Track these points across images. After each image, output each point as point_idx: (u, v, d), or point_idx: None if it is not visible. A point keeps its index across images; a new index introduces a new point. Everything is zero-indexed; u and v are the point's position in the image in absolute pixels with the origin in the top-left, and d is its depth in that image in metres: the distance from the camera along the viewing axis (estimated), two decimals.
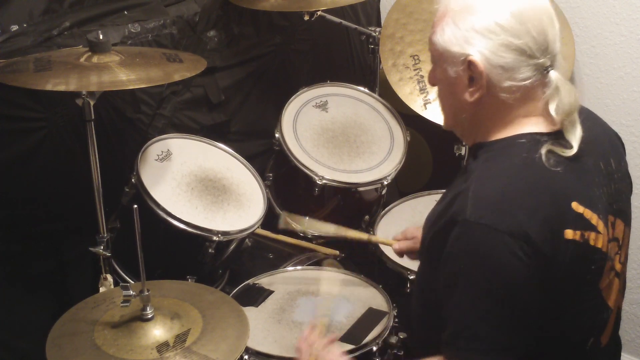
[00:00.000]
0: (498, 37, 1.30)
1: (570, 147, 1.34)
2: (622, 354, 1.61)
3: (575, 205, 1.31)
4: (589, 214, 1.32)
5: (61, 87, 1.65)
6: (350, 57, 2.81)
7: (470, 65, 1.33)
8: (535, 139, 1.34)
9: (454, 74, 1.37)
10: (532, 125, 1.36)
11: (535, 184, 1.30)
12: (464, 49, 1.33)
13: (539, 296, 1.28)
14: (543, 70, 1.33)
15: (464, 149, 2.34)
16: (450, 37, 1.35)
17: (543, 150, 1.31)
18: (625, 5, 2.26)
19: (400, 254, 1.90)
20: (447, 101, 1.45)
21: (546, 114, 1.36)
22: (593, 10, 2.33)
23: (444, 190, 1.48)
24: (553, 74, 1.34)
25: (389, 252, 2.07)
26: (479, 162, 1.37)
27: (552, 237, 1.27)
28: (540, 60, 1.32)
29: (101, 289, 1.86)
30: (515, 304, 1.28)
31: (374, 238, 2.01)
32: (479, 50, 1.31)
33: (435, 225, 1.36)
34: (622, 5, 2.27)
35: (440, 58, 1.39)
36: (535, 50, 1.31)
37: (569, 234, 1.29)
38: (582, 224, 1.31)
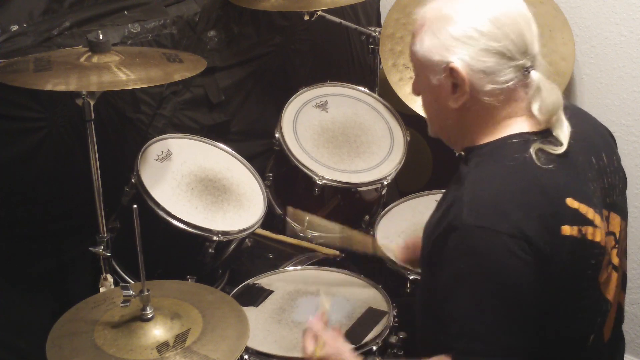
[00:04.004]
0: (477, 43, 1.32)
1: (560, 144, 1.35)
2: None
3: (570, 201, 1.32)
4: (584, 208, 1.33)
5: (61, 87, 1.65)
6: (350, 57, 2.81)
7: (452, 72, 1.35)
8: (525, 139, 1.36)
9: (436, 82, 1.39)
10: (519, 125, 1.38)
11: (528, 183, 1.30)
12: (445, 57, 1.35)
13: (540, 295, 1.29)
14: (524, 71, 1.35)
15: None
16: (430, 46, 1.37)
17: (532, 149, 1.33)
18: (625, 5, 2.26)
19: (403, 261, 1.96)
20: (432, 109, 1.48)
21: (531, 114, 1.37)
22: (593, 10, 2.33)
23: (444, 191, 1.48)
24: (534, 74, 1.36)
25: (388, 252, 2.07)
26: (470, 167, 1.38)
27: (549, 235, 1.28)
28: (521, 62, 1.34)
29: (101, 289, 1.86)
30: (517, 304, 1.28)
31: (379, 250, 2.00)
32: (460, 57, 1.33)
33: (434, 234, 1.37)
34: (622, 5, 2.27)
35: (421, 67, 1.41)
36: (514, 52, 1.33)
37: (566, 230, 1.30)
38: (579, 219, 1.32)
